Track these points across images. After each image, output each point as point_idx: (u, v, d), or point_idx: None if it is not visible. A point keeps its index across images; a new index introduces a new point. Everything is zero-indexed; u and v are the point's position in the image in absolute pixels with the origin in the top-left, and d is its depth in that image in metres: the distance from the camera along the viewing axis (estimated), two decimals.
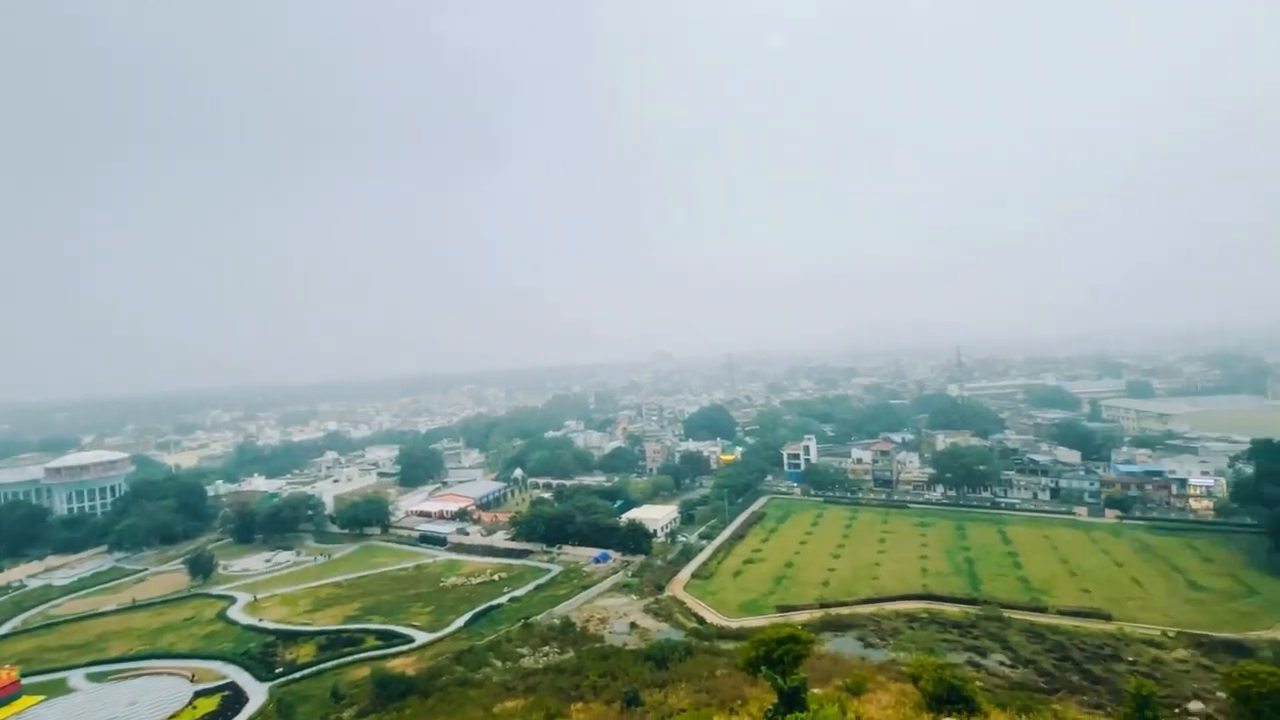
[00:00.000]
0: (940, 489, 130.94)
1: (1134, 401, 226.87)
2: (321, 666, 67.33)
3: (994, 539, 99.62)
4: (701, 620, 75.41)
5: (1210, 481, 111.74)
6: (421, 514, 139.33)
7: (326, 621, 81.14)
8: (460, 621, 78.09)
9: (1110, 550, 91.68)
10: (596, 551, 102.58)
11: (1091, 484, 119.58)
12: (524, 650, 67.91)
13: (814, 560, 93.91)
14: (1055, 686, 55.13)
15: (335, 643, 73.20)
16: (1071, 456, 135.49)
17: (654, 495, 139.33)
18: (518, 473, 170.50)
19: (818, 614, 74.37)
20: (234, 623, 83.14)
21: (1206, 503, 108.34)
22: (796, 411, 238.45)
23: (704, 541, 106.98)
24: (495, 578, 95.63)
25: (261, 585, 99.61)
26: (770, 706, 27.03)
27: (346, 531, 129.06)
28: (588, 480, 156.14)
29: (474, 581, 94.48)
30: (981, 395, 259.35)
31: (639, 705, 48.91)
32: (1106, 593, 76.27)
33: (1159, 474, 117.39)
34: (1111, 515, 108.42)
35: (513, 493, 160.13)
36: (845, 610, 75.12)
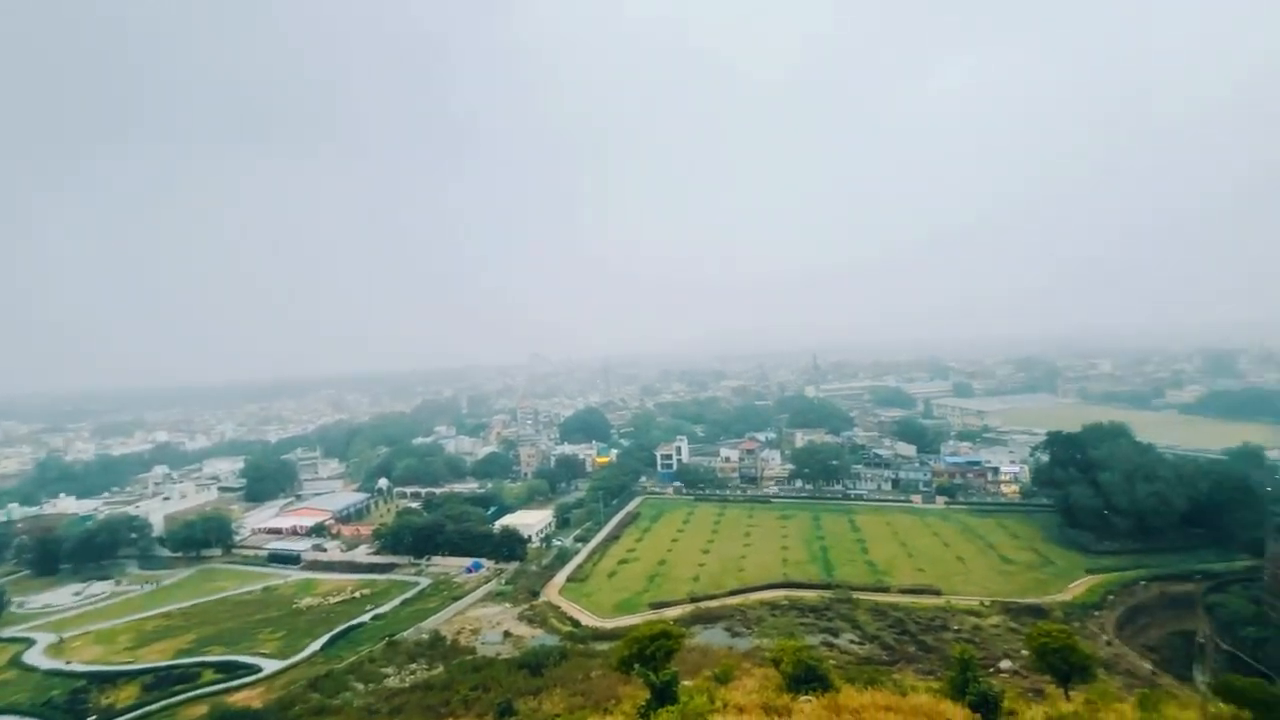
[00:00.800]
0: (799, 483, 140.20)
1: (958, 400, 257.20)
2: (147, 709, 59.38)
3: (845, 528, 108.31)
4: (577, 623, 75.32)
5: (1016, 469, 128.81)
6: (272, 531, 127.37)
7: (154, 658, 71.77)
8: (316, 645, 72.27)
9: (940, 532, 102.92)
10: (469, 561, 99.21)
11: (925, 474, 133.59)
12: (389, 670, 64.19)
13: (685, 557, 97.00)
14: (896, 658, 61.06)
15: (164, 681, 64.81)
16: (909, 450, 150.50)
17: (529, 500, 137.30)
18: (382, 482, 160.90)
19: (689, 608, 76.85)
20: (32, 668, 71.27)
21: (1014, 487, 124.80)
22: (669, 413, 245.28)
23: (580, 544, 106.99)
24: (357, 595, 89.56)
25: (70, 622, 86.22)
26: (643, 703, 27.56)
27: (180, 555, 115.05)
28: (459, 487, 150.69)
29: (332, 601, 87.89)
30: (835, 396, 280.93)
31: (513, 715, 47.90)
32: (937, 570, 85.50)
33: (977, 464, 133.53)
34: (941, 501, 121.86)
35: (377, 504, 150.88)
36: (714, 603, 78.24)
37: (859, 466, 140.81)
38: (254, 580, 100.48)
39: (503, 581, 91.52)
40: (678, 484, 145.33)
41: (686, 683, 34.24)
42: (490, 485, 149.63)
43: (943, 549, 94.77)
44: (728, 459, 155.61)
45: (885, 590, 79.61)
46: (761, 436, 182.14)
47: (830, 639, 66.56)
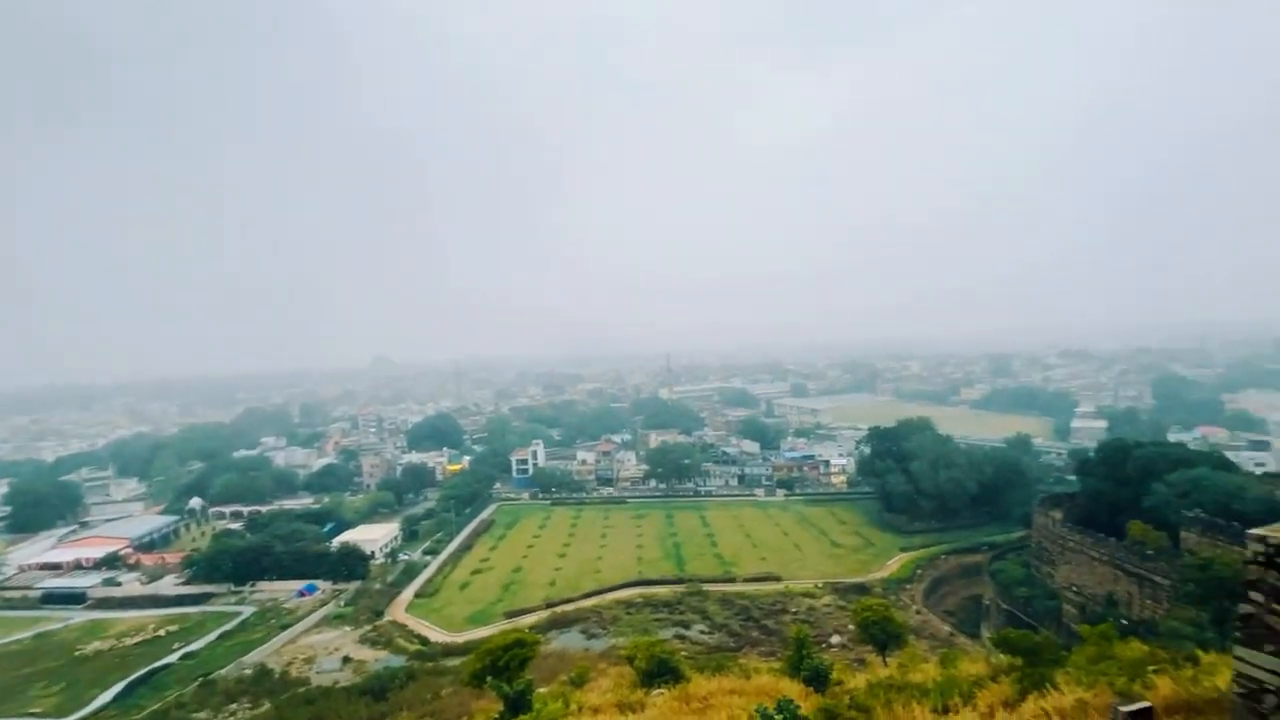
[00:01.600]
0: (654, 483, 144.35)
1: (796, 400, 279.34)
2: None
3: (696, 524, 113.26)
4: (426, 641, 71.73)
5: (844, 461, 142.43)
6: (48, 567, 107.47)
7: None
8: (107, 696, 62.14)
9: (780, 523, 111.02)
10: (302, 583, 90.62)
11: (767, 470, 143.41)
12: (203, 715, 56.87)
13: (541, 562, 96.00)
14: (741, 644, 64.93)
15: None
16: (753, 448, 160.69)
17: (372, 514, 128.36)
18: (195, 502, 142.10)
19: (545, 614, 76.17)
20: None
21: (842, 478, 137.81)
22: (525, 417, 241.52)
23: (429, 557, 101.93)
24: (162, 633, 78.31)
25: None
26: (496, 716, 26.83)
27: None
28: (291, 504, 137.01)
29: (129, 642, 76.08)
30: (687, 397, 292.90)
31: None
32: (777, 558, 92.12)
33: (812, 458, 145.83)
34: (781, 494, 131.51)
35: (188, 527, 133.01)
36: (570, 607, 78.23)
37: (709, 464, 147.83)
38: (21, 627, 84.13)
39: (342, 603, 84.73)
40: (534, 489, 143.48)
41: (542, 690, 33.85)
42: (328, 500, 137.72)
43: (782, 538, 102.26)
44: (584, 461, 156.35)
45: (732, 581, 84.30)
46: (618, 438, 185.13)
47: (682, 631, 69.20)
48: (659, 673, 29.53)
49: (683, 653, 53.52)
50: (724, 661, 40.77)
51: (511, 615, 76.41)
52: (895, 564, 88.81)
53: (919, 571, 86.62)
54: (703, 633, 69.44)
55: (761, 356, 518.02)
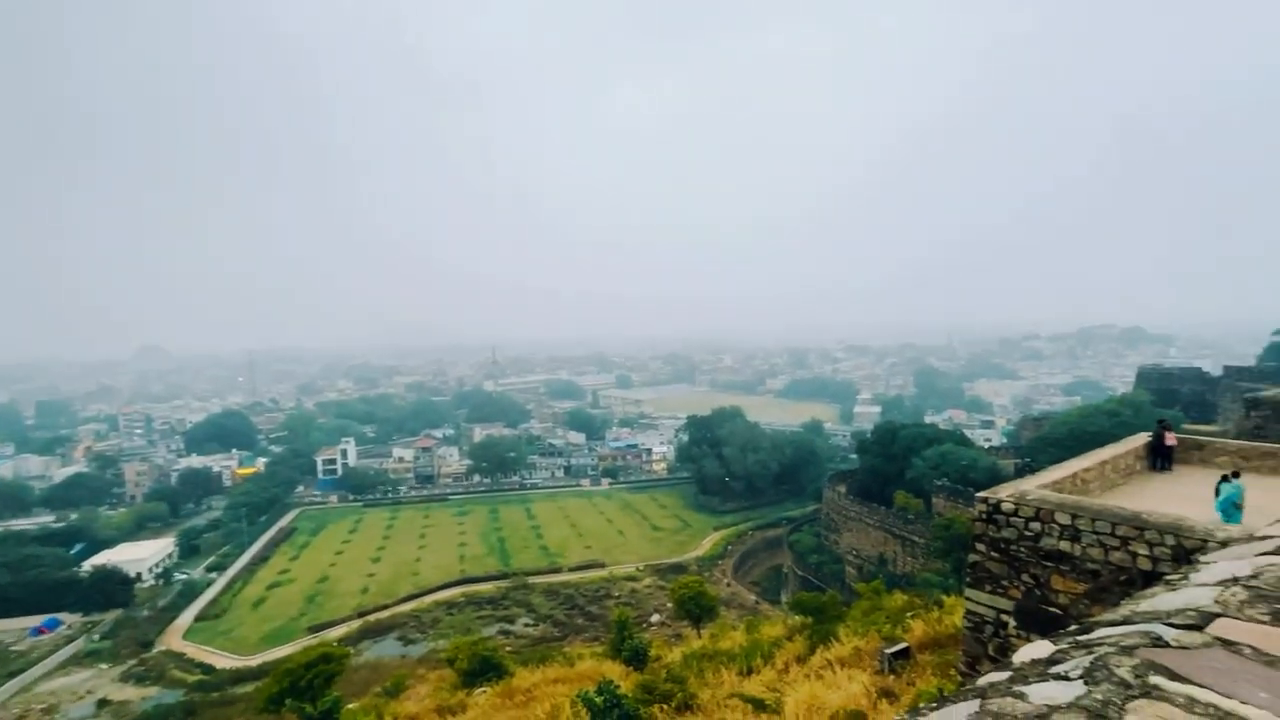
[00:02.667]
0: (478, 478, 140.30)
1: (620, 391, 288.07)
2: None
3: (522, 517, 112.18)
4: (210, 669, 63.23)
5: (665, 449, 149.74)
6: None
7: None
8: None
9: (605, 510, 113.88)
10: (40, 619, 74.87)
11: (592, 459, 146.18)
12: None
13: (352, 569, 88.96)
14: (566, 633, 65.73)
15: None
16: (579, 438, 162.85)
17: (139, 530, 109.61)
18: None
19: (356, 624, 70.92)
20: None
21: (663, 464, 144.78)
22: (333, 413, 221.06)
23: (214, 574, 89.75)
24: None
25: None
26: None
27: None
28: (23, 524, 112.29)
29: None
30: (512, 390, 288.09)
31: None
32: (602, 545, 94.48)
33: (635, 446, 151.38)
34: (606, 483, 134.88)
35: None
36: (385, 614, 73.65)
37: (535, 457, 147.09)
38: None
39: (96, 637, 71.53)
40: (343, 491, 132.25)
41: (352, 705, 31.54)
42: (76, 516, 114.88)
43: (607, 525, 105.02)
44: (401, 459, 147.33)
45: (558, 571, 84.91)
46: (439, 433, 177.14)
47: (507, 627, 68.38)
48: (481, 671, 28.93)
49: (507, 648, 52.86)
50: (548, 652, 41.00)
51: (316, 629, 69.90)
52: (709, 542, 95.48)
53: (729, 548, 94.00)
54: (528, 626, 69.16)
55: (588, 349, 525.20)
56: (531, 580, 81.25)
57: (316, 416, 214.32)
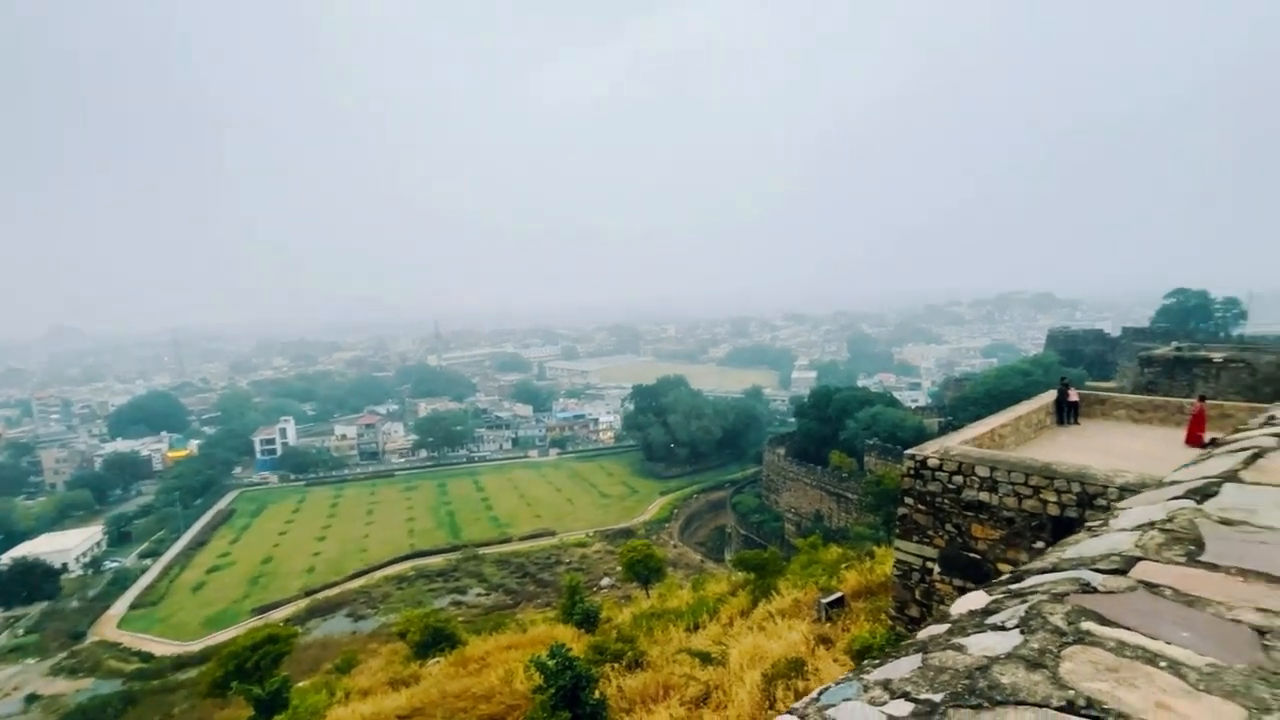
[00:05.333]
0: (424, 453, 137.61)
1: (566, 363, 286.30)
2: None
3: (471, 490, 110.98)
4: (149, 656, 60.56)
5: (611, 418, 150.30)
6: None
7: None
8: None
9: (553, 480, 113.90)
10: None
11: (540, 431, 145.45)
12: None
13: (297, 549, 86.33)
14: (518, 600, 65.94)
15: None
16: (526, 410, 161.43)
17: (62, 519, 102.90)
18: None
19: (304, 603, 69.16)
20: None
21: (610, 433, 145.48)
22: (270, 392, 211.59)
23: (148, 561, 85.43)
24: None
25: None
26: None
27: None
28: None
29: None
30: (457, 364, 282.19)
31: None
32: (552, 514, 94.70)
33: (582, 417, 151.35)
34: (554, 453, 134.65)
35: None
36: (333, 591, 72.06)
37: (482, 430, 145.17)
38: None
39: (20, 631, 67.31)
40: (284, 470, 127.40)
41: (302, 684, 30.86)
42: None
43: (556, 495, 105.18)
44: (344, 436, 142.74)
45: (508, 541, 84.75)
46: (383, 409, 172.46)
47: (459, 597, 68.06)
48: (434, 642, 28.70)
49: (459, 619, 52.64)
50: (501, 620, 41.04)
51: (261, 611, 67.75)
52: (656, 507, 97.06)
53: (675, 511, 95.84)
54: (480, 595, 69.02)
55: (533, 321, 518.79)
56: (482, 551, 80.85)
57: (252, 395, 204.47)
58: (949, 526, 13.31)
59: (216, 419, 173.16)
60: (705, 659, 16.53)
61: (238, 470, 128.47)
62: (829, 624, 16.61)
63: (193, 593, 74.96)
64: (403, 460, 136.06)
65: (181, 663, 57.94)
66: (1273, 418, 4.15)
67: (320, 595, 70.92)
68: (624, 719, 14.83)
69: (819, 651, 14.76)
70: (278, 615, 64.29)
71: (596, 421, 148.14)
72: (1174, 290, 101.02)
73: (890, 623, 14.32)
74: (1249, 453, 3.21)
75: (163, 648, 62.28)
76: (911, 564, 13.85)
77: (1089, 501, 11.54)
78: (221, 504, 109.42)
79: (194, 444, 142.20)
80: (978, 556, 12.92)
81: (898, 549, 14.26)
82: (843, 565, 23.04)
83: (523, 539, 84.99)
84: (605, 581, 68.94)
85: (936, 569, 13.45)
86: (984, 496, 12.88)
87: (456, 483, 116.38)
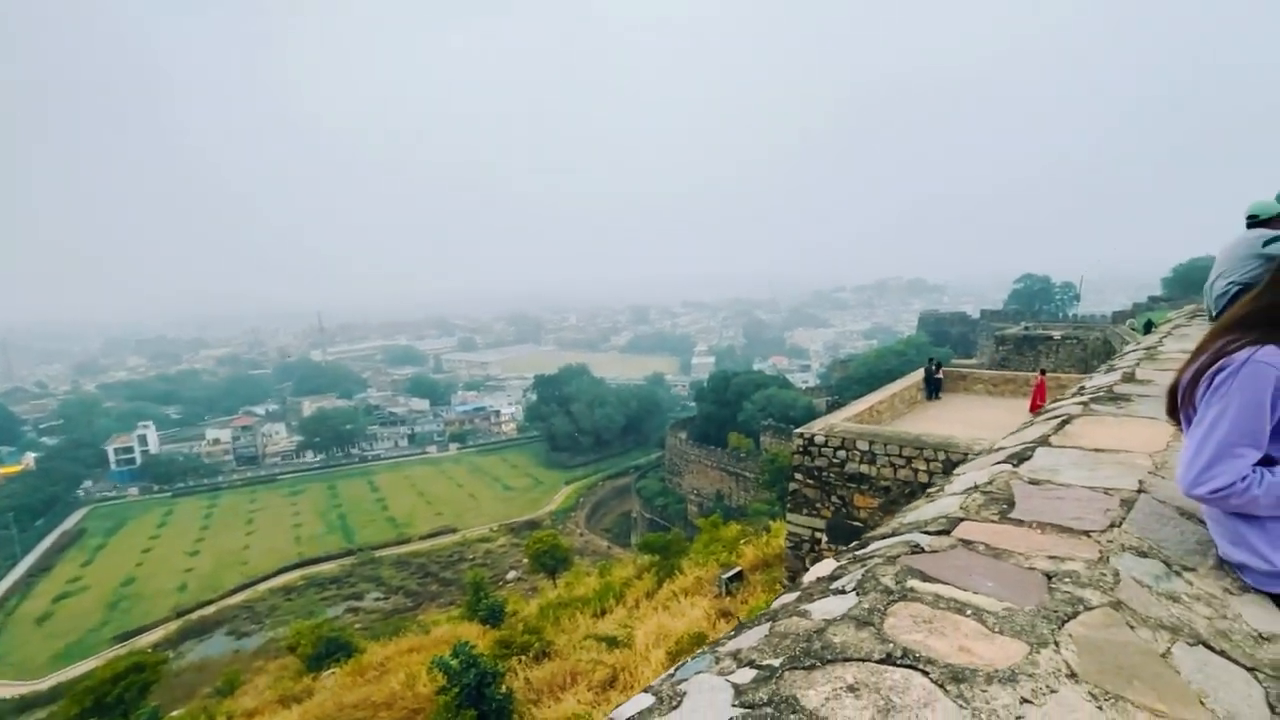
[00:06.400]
0: (311, 454, 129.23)
1: (464, 354, 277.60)
2: None
3: (364, 491, 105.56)
4: None
5: (513, 409, 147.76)
6: None
7: None
8: None
9: (454, 476, 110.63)
10: None
11: (438, 425, 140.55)
12: None
13: (164, 567, 78.51)
14: (420, 601, 63.77)
15: None
16: (423, 405, 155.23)
17: None
18: None
19: (175, 625, 63.18)
20: None
21: (512, 425, 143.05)
22: (124, 396, 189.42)
23: None
24: None
25: None
26: None
27: None
28: None
29: None
30: (345, 358, 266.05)
31: None
32: (453, 511, 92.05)
33: (483, 409, 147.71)
34: (454, 448, 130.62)
35: None
36: (210, 609, 66.34)
37: (375, 427, 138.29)
38: None
39: None
40: (145, 482, 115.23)
41: (176, 713, 28.40)
42: None
43: (457, 490, 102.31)
44: (217, 440, 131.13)
45: (407, 541, 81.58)
46: (261, 409, 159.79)
47: (355, 604, 64.92)
48: (329, 653, 27.28)
49: (356, 626, 50.22)
50: (402, 624, 39.62)
51: (124, 638, 61.15)
52: (561, 496, 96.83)
53: (581, 500, 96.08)
54: (378, 600, 66.12)
55: (428, 312, 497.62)
56: (379, 554, 77.28)
57: (101, 400, 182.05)
58: (834, 498, 14.35)
59: (58, 428, 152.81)
60: (611, 643, 16.85)
61: (88, 484, 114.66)
62: (729, 598, 17.43)
63: (37, 625, 66.33)
64: (287, 463, 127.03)
65: (27, 704, 51.24)
66: (1083, 388, 4.85)
67: (195, 615, 65.02)
68: (531, 710, 14.86)
69: (720, 625, 15.47)
70: (145, 640, 58.27)
71: (498, 413, 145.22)
72: (1022, 275, 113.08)
73: (783, 591, 15.22)
74: (1060, 419, 3.76)
75: (3, 689, 54.84)
76: (802, 535, 14.81)
77: (952, 468, 12.80)
78: (68, 523, 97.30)
79: (30, 457, 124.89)
80: (860, 524, 14.03)
81: (790, 522, 15.18)
82: (741, 541, 24.17)
83: (423, 538, 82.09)
84: (511, 575, 68.08)
85: (824, 539, 14.46)
86: (864, 469, 13.98)
87: (348, 484, 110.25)
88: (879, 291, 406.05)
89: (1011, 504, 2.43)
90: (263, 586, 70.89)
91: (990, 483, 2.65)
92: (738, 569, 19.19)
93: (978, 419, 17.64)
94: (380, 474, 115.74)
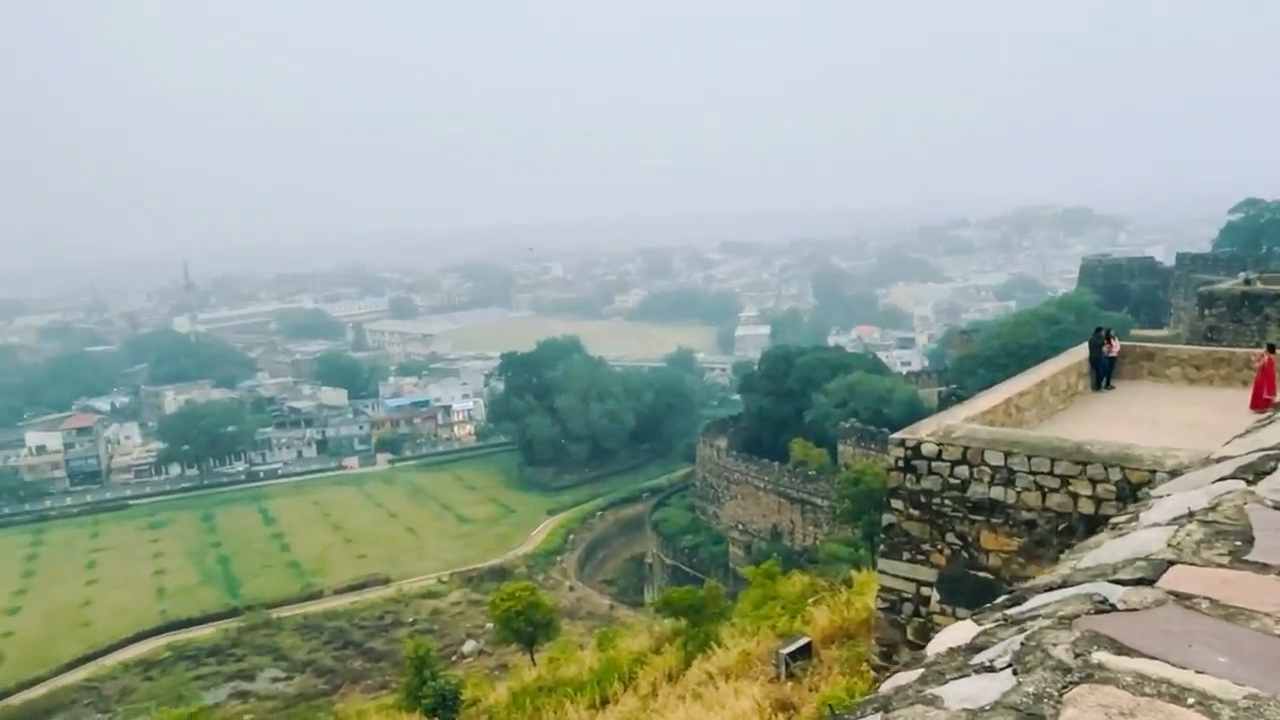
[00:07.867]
0: (177, 469, 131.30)
1: (398, 323, 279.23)
2: None
3: (255, 522, 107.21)
4: None
5: (471, 405, 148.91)
6: None
7: None
8: None
9: (385, 502, 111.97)
10: None
11: (361, 427, 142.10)
12: None
13: None
14: (338, 682, 65.24)
15: None
16: (338, 397, 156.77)
17: None
18: None
19: None
20: None
21: (469, 428, 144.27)
22: None
23: None
24: None
25: None
26: None
27: None
28: None
29: None
30: (224, 329, 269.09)
31: None
32: (384, 552, 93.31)
33: (426, 404, 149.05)
34: (383, 460, 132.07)
35: None
36: (38, 692, 68.24)
37: (269, 429, 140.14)
38: None
39: None
40: None
41: None
42: None
43: (389, 522, 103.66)
44: (42, 449, 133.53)
45: (318, 596, 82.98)
46: (105, 404, 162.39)
47: (245, 686, 66.46)
48: None
49: (247, 715, 51.37)
50: (312, 715, 40.38)
51: None
52: (542, 532, 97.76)
53: (571, 538, 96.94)
54: (277, 679, 67.52)
55: (341, 260, 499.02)
56: (277, 614, 78.69)
57: None
58: (951, 537, 14.15)
59: None
60: None
61: None
62: (791, 682, 17.48)
63: None
64: (142, 482, 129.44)
65: None
66: None
67: (16, 699, 66.93)
68: None
69: None
70: None
71: (448, 410, 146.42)
72: (1243, 202, 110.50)
73: (874, 675, 15.16)
74: None
75: None
76: (902, 591, 14.70)
77: (1132, 493, 12.44)
78: None
79: None
80: (990, 576, 13.80)
81: (883, 572, 15.07)
82: (809, 600, 24.20)
83: (340, 592, 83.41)
84: (469, 646, 69.12)
85: (935, 596, 14.29)
86: (998, 493, 13.71)
87: (230, 512, 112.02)
88: (1019, 226, 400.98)
89: (1248, 540, 2.32)
90: (112, 660, 72.57)
91: (1213, 508, 2.54)
92: (804, 641, 19.24)
93: (1170, 418, 17.33)
94: (277, 497, 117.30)
